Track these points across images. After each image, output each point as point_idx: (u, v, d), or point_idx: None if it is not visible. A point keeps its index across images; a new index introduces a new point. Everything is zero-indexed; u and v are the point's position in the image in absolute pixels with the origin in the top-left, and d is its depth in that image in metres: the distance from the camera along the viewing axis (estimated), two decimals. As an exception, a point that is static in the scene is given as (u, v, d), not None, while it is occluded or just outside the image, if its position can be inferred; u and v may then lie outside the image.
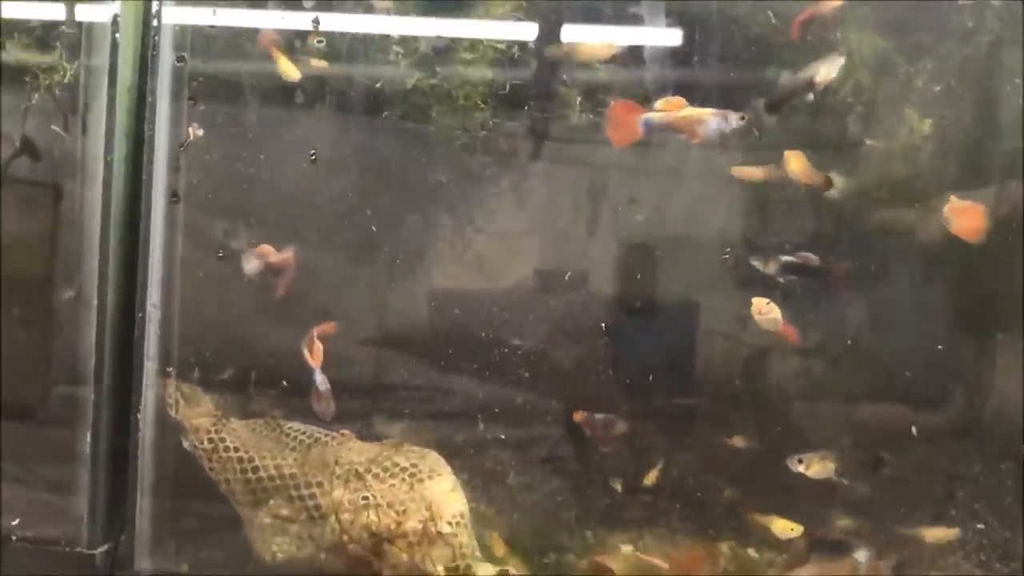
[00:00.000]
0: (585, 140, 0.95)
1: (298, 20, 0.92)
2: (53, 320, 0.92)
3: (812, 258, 0.91)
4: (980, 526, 0.90)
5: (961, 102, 0.91)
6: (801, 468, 0.90)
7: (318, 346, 0.91)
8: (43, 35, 0.93)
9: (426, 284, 0.97)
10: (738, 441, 0.93)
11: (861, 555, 0.90)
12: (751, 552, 0.94)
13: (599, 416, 0.94)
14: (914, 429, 0.90)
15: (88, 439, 0.90)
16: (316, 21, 0.92)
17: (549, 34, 0.93)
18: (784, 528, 0.90)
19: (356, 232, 0.94)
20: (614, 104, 0.90)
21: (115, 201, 0.92)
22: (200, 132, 0.91)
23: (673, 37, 0.93)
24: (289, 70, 0.92)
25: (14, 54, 0.92)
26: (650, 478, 0.94)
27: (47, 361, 0.93)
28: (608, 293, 0.95)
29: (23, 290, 0.93)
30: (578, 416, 0.94)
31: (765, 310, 0.89)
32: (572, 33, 0.93)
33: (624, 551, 0.94)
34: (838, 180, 0.91)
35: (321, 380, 0.90)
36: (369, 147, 0.96)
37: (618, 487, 0.95)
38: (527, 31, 0.93)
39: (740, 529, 0.94)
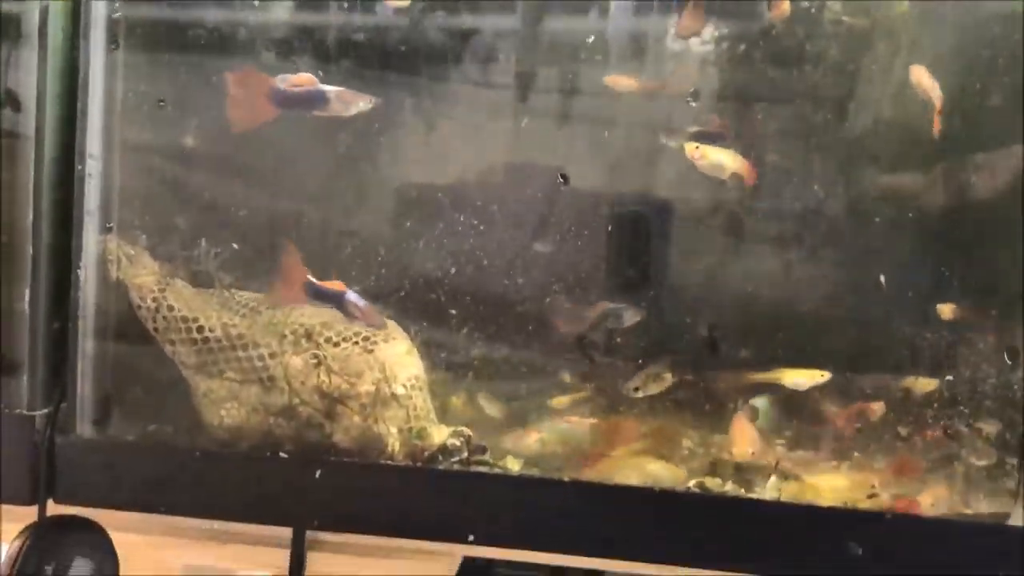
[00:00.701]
0: None
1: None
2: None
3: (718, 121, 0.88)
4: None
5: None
6: (638, 394, 0.88)
7: (334, 283, 0.87)
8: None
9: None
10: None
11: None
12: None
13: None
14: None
15: (26, 297, 0.86)
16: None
17: None
18: (809, 376, 0.87)
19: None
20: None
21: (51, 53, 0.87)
22: None
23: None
24: None
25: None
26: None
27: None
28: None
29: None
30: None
31: (698, 154, 0.85)
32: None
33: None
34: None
35: (355, 297, 0.86)
36: None
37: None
38: None
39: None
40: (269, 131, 0.91)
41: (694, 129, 0.87)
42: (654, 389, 0.89)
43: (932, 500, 0.84)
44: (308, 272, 0.86)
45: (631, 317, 0.89)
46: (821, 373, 0.86)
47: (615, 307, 0.90)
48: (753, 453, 0.86)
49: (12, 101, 0.87)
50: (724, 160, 0.85)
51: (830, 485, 0.85)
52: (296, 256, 0.86)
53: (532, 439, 0.91)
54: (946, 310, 0.85)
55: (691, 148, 0.85)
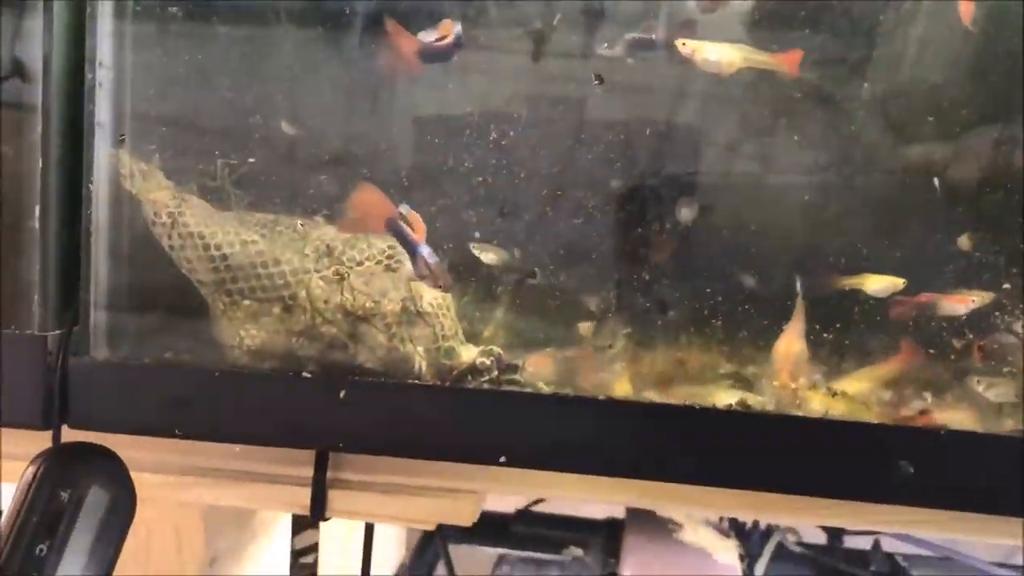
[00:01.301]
0: None
1: None
2: None
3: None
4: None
5: None
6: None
7: (416, 217, 0.82)
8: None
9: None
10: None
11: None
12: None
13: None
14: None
15: (36, 213, 0.83)
16: None
17: None
18: (891, 283, 0.82)
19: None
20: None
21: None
22: None
23: None
24: None
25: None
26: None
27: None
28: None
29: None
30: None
31: (687, 49, 0.79)
32: None
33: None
34: None
35: (428, 253, 0.82)
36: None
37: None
38: None
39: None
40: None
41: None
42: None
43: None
44: (396, 207, 0.82)
45: (688, 213, 0.85)
46: (900, 280, 0.82)
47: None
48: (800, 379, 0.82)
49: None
50: (726, 54, 0.79)
51: (854, 389, 0.81)
52: (377, 190, 0.83)
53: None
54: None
55: (678, 43, 0.78)
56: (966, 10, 0.81)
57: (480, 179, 0.86)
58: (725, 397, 0.81)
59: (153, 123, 0.86)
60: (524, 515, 1.68)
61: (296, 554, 1.52)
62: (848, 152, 0.85)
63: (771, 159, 0.88)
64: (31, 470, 0.81)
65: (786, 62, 0.81)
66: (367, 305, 0.82)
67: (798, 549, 1.57)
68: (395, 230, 0.82)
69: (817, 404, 0.80)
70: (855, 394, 0.80)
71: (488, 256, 0.85)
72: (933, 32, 0.83)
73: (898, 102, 0.84)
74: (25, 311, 0.84)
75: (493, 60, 0.89)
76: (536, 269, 0.87)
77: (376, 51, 0.87)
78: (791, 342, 0.82)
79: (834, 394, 0.79)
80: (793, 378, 0.81)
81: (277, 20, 0.86)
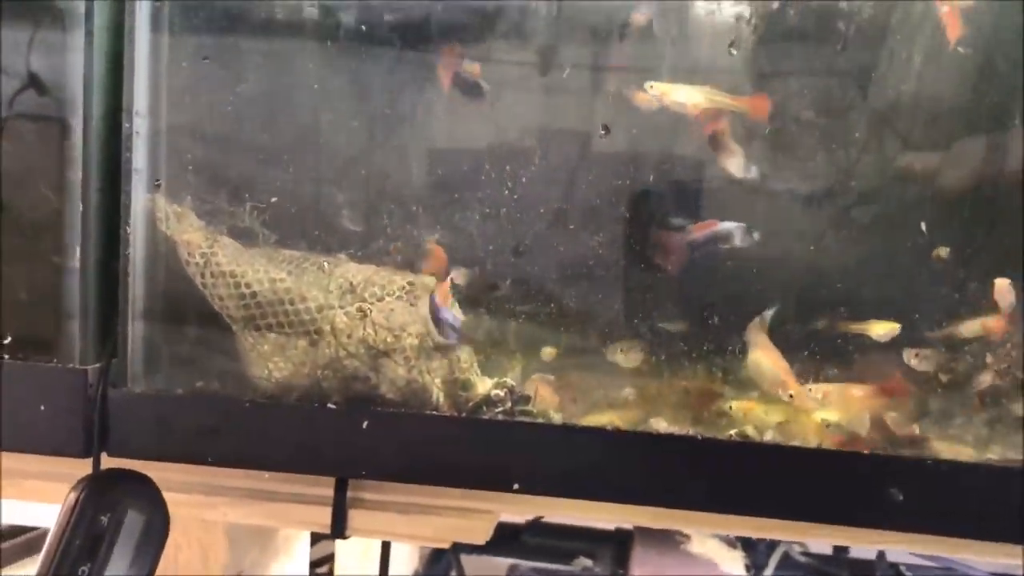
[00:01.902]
0: None
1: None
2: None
3: None
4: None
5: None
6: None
7: (445, 288, 0.88)
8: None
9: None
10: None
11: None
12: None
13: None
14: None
15: (77, 254, 0.88)
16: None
17: None
18: (889, 329, 0.86)
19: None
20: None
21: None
22: None
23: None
24: None
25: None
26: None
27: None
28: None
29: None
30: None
31: (655, 91, 0.82)
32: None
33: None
34: None
35: (452, 317, 0.88)
36: None
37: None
38: None
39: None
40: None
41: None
42: (631, 362, 0.90)
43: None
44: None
45: (744, 238, 0.86)
46: (895, 326, 0.86)
47: (728, 226, 0.86)
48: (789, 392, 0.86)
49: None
50: (692, 97, 0.82)
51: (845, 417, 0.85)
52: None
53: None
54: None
55: (648, 87, 0.82)
56: (952, 28, 0.83)
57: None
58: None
59: (187, 167, 0.91)
60: (535, 526, 1.72)
61: (313, 565, 1.56)
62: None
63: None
64: (72, 496, 0.86)
65: (754, 106, 0.85)
66: (388, 339, 0.87)
67: (803, 559, 1.60)
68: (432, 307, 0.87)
69: (812, 434, 0.84)
70: (846, 424, 0.84)
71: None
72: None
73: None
74: (66, 346, 0.89)
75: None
76: (497, 282, 0.91)
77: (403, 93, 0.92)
78: (762, 355, 0.86)
79: (827, 425, 0.84)
80: (777, 387, 0.85)
81: (304, 69, 0.92)
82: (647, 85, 0.84)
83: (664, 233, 0.89)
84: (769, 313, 0.87)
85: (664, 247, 0.89)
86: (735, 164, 0.82)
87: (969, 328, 0.85)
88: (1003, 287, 0.84)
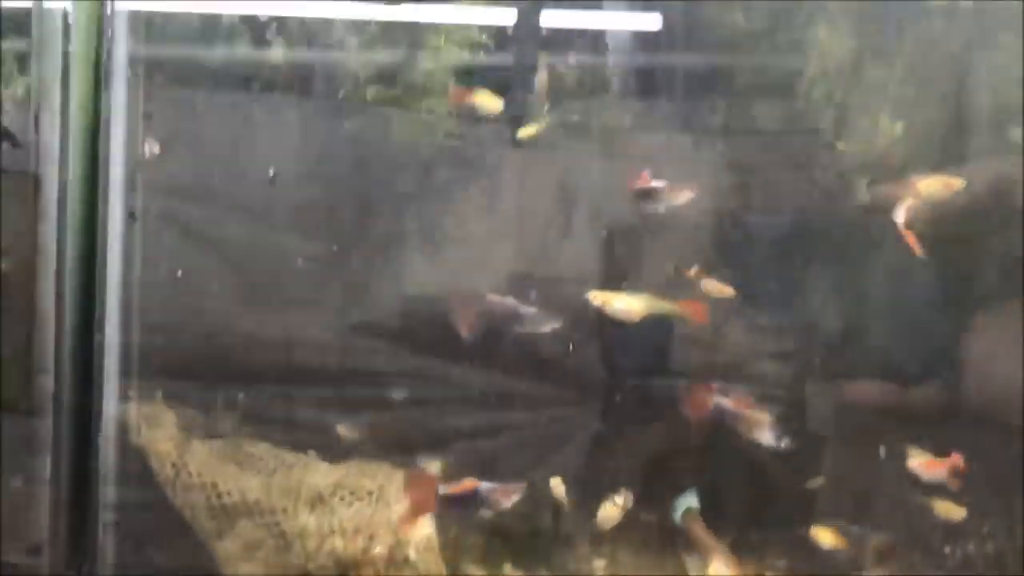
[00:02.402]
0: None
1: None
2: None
3: None
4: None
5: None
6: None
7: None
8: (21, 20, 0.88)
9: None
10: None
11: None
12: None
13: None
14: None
15: (48, 464, 0.88)
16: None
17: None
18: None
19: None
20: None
21: (70, 214, 0.89)
22: (156, 150, 0.88)
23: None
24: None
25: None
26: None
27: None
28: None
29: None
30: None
31: (597, 300, 0.86)
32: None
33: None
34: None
35: (487, 488, 0.84)
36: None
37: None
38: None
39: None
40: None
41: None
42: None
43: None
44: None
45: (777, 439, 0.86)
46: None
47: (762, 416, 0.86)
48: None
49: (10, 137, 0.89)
50: (632, 304, 0.85)
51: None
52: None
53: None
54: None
55: (592, 296, 0.85)
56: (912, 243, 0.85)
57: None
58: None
59: (158, 367, 0.92)
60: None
61: None
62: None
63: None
64: None
65: (692, 310, 0.87)
66: (357, 550, 0.87)
67: None
68: (453, 503, 0.84)
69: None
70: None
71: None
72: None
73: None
74: (39, 558, 0.89)
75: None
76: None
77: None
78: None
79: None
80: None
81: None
82: (591, 294, 0.86)
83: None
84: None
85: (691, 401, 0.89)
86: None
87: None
88: None
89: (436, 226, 0.98)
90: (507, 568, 0.93)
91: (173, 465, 0.90)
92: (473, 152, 0.97)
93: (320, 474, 0.92)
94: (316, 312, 0.98)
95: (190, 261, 0.94)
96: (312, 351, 0.98)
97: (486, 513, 0.84)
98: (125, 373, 0.90)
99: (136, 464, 0.91)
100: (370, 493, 0.90)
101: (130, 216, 0.89)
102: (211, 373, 0.95)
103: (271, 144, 0.97)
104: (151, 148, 0.88)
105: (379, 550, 0.88)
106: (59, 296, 0.88)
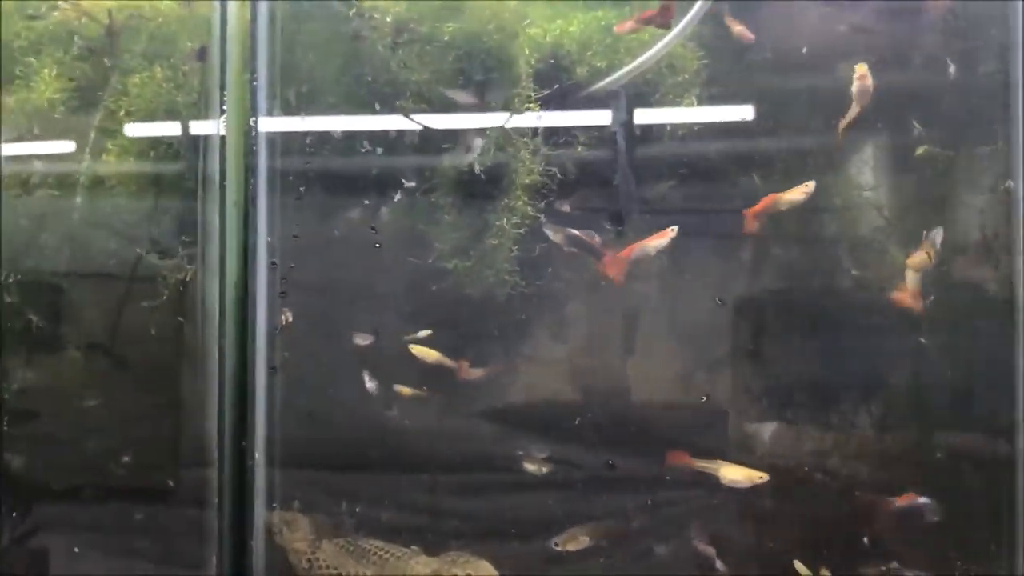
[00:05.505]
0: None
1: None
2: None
3: None
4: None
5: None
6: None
7: None
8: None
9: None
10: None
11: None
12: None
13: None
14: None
15: (214, 562, 1.15)
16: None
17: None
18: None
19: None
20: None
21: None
22: (290, 318, 1.17)
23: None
24: None
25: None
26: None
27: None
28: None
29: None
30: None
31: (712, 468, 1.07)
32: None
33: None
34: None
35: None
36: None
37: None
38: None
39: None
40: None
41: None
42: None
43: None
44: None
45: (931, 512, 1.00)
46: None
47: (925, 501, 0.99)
48: None
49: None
50: (738, 475, 1.04)
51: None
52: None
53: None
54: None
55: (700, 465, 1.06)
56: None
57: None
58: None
59: (296, 478, 1.19)
60: None
61: None
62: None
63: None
64: None
65: None
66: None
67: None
68: None
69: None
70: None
71: None
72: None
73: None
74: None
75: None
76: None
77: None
78: None
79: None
80: None
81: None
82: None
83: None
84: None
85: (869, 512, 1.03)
86: None
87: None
88: None
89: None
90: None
91: (307, 560, 1.15)
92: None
93: (420, 564, 1.16)
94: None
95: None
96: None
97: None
98: (269, 489, 1.18)
99: (279, 559, 1.17)
100: (458, 580, 1.14)
101: (271, 369, 1.18)
102: (335, 490, 1.20)
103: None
104: (286, 318, 1.17)
105: (467, 626, 1.11)
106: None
